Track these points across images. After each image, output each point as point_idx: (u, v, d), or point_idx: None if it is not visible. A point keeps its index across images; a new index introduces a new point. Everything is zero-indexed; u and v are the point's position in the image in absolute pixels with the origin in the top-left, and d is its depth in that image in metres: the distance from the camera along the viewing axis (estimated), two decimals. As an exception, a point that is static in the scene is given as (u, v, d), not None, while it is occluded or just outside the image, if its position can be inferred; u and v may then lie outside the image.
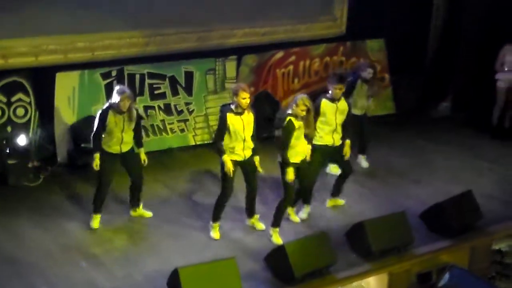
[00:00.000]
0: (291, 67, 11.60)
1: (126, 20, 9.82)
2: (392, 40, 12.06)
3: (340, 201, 8.92)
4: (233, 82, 10.97)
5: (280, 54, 11.45)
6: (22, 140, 9.27)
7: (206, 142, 10.71)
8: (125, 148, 8.06)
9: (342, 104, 8.42)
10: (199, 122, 10.76)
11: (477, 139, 11.42)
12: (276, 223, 8.08)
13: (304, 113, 7.74)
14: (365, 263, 7.73)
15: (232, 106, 7.81)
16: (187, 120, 10.69)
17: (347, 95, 9.05)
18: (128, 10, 9.79)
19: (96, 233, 8.06)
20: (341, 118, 8.41)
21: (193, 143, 10.68)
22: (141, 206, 8.47)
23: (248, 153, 7.93)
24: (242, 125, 7.79)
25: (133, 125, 8.05)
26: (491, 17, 11.66)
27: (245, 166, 8.00)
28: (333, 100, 8.37)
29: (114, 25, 9.78)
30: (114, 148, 7.99)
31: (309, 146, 8.05)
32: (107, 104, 7.98)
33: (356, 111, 9.65)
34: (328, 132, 8.38)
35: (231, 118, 7.76)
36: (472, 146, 11.10)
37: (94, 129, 7.97)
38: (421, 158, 10.50)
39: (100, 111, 7.98)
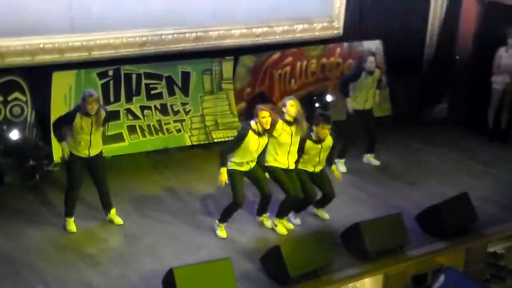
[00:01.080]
0: (288, 68, 11.59)
1: (123, 20, 9.81)
2: (389, 42, 12.06)
3: (326, 215, 8.74)
4: (230, 83, 10.99)
5: (277, 55, 11.44)
6: (14, 135, 9.23)
7: (202, 142, 10.71)
8: (94, 152, 8.01)
9: (328, 142, 8.24)
10: (196, 123, 10.75)
11: (473, 141, 11.44)
12: (281, 214, 8.25)
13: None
14: (360, 264, 7.74)
15: (252, 123, 7.79)
16: (184, 120, 10.68)
17: (347, 87, 9.47)
18: (125, 10, 9.78)
19: (91, 233, 8.06)
20: (324, 155, 8.32)
21: (189, 144, 10.67)
22: (113, 211, 8.40)
23: (253, 164, 8.00)
24: (257, 146, 7.83)
25: (101, 129, 8.03)
26: (487, 20, 11.67)
27: (251, 174, 8.04)
28: (318, 141, 8.18)
29: (111, 25, 9.77)
30: (83, 152, 7.95)
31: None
32: (74, 107, 8.00)
33: (357, 106, 9.67)
34: (310, 166, 8.33)
35: (250, 137, 7.77)
36: (468, 148, 11.12)
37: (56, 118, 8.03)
38: (417, 160, 10.52)
39: (67, 113, 8.04)
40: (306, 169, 8.29)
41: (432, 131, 11.81)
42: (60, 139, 8.03)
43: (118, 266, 7.47)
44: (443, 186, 9.58)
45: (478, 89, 11.84)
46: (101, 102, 8.13)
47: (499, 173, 10.24)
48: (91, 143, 7.94)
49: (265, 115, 7.71)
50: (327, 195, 8.48)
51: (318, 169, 8.35)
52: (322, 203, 8.63)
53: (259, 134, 7.80)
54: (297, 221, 8.51)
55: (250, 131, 7.76)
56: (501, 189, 9.67)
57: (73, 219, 8.12)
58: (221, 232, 8.16)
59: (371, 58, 9.79)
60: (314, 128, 8.17)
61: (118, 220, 8.38)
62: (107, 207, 8.36)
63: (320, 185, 8.44)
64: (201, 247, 7.89)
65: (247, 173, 8.03)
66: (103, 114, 7.97)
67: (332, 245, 7.73)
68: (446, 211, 8.29)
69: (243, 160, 7.89)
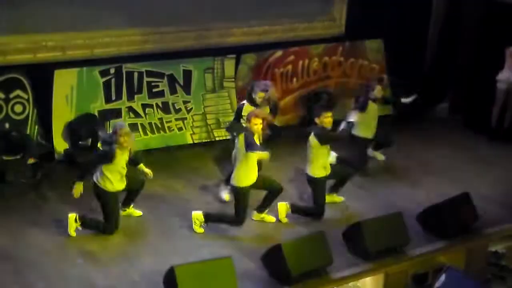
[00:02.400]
0: (290, 67, 11.60)
1: (125, 18, 9.82)
2: (390, 41, 12.06)
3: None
4: (231, 81, 10.99)
5: (279, 54, 11.45)
6: (16, 133, 9.23)
7: (204, 140, 10.71)
8: (122, 187, 7.95)
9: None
10: (197, 121, 10.75)
11: (475, 140, 11.42)
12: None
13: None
14: (361, 263, 7.73)
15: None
16: (185, 118, 10.68)
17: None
18: (127, 8, 9.78)
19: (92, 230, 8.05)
20: None
21: (191, 142, 10.67)
22: (131, 206, 8.43)
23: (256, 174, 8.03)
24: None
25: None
26: (489, 19, 11.66)
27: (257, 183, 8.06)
28: None
29: (113, 23, 9.77)
30: (119, 185, 7.87)
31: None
32: (112, 144, 7.73)
33: (365, 134, 9.62)
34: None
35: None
36: (470, 148, 11.11)
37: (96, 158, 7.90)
38: (419, 159, 10.51)
39: (104, 152, 7.81)
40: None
41: (433, 130, 11.79)
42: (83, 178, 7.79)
43: (119, 264, 7.47)
44: (445, 185, 9.56)
45: (479, 88, 11.83)
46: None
47: (500, 172, 10.22)
48: (122, 174, 7.85)
49: (257, 122, 7.72)
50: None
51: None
52: (336, 187, 8.87)
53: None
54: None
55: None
56: (503, 189, 9.66)
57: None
58: (198, 229, 8.14)
59: (378, 87, 9.68)
60: (317, 121, 8.25)
61: (137, 213, 8.38)
62: (129, 202, 8.34)
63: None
64: (202, 246, 7.89)
65: (253, 185, 8.03)
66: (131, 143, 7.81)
67: (333, 244, 7.72)
68: (447, 210, 8.29)
69: (248, 172, 7.89)
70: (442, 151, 10.93)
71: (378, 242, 7.77)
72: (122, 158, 7.74)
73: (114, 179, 7.77)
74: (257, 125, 7.72)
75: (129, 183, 8.01)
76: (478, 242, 8.45)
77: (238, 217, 7.98)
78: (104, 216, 7.92)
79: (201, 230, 8.10)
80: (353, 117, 9.28)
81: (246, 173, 7.88)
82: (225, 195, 8.78)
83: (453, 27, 12.35)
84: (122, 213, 8.34)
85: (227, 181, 8.46)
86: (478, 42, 12.05)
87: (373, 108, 9.66)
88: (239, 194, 7.93)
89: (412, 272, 8.09)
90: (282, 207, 8.47)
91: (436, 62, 12.65)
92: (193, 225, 8.12)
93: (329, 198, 8.78)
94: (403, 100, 10.15)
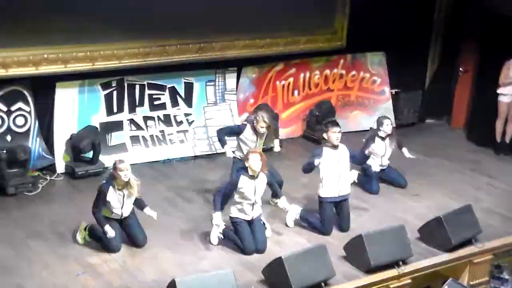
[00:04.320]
0: (291, 79, 11.62)
1: (126, 30, 9.83)
2: (392, 53, 12.07)
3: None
4: (233, 94, 11.00)
5: (280, 66, 11.47)
6: (18, 145, 9.22)
7: (205, 153, 10.71)
8: (126, 213, 7.93)
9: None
10: (199, 133, 10.76)
11: (477, 153, 11.41)
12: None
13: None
14: (363, 276, 7.70)
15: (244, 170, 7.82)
16: (187, 131, 10.69)
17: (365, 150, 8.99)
18: (129, 21, 9.80)
19: (94, 243, 8.02)
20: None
21: (193, 154, 10.67)
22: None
23: (257, 209, 8.03)
24: (253, 189, 7.83)
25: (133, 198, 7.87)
26: (491, 32, 11.67)
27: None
28: (335, 147, 8.30)
29: (114, 36, 9.80)
30: (115, 213, 7.83)
31: None
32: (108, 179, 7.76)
33: (375, 167, 9.63)
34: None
35: (243, 181, 7.78)
36: (472, 160, 11.09)
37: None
38: (420, 172, 10.48)
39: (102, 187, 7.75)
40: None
41: (435, 143, 11.78)
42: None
43: (121, 277, 7.44)
44: (447, 198, 9.55)
45: (482, 100, 11.82)
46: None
47: (503, 185, 10.20)
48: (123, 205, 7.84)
49: (255, 159, 7.73)
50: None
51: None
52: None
53: (252, 177, 7.80)
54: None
55: (242, 176, 7.78)
56: (505, 202, 9.63)
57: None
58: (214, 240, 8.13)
59: (387, 121, 9.59)
60: (325, 136, 8.30)
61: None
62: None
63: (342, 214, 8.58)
64: (203, 258, 7.87)
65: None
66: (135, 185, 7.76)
67: (335, 257, 7.70)
68: (449, 223, 8.26)
69: (244, 202, 7.89)
70: (444, 163, 10.91)
71: (380, 255, 7.74)
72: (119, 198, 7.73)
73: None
74: (255, 162, 7.73)
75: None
76: (481, 255, 8.42)
77: None
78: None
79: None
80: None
81: None
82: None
83: (455, 40, 12.36)
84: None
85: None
86: (481, 54, 12.05)
87: (382, 145, 9.61)
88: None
89: (414, 285, 8.05)
90: (293, 209, 8.49)
91: (438, 74, 12.66)
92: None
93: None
94: (405, 154, 9.90)
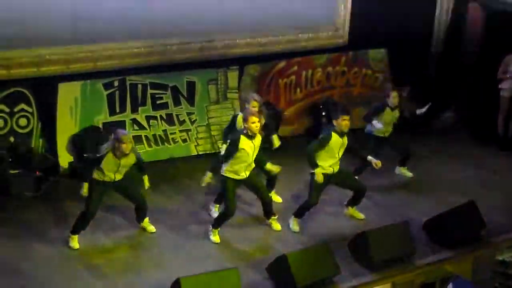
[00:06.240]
0: (293, 77, 11.60)
1: (128, 30, 9.83)
2: (394, 50, 12.06)
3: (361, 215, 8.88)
4: (235, 92, 11.00)
5: (282, 64, 11.46)
6: (21, 146, 9.25)
7: (208, 152, 10.71)
8: (119, 177, 7.94)
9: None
10: (201, 132, 10.75)
11: (481, 149, 11.39)
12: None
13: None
14: (367, 273, 7.70)
15: (244, 131, 7.95)
16: (189, 130, 10.69)
17: (372, 118, 9.40)
18: (131, 21, 9.80)
19: (98, 243, 8.04)
20: (342, 151, 8.42)
21: (195, 153, 10.67)
22: (146, 220, 8.41)
23: (250, 169, 8.06)
24: (252, 150, 7.93)
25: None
26: (493, 27, 11.66)
27: (249, 182, 8.11)
28: (341, 134, 8.33)
29: (116, 36, 9.79)
30: (108, 176, 7.85)
31: None
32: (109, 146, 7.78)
33: (379, 134, 9.67)
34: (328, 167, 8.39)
35: (243, 141, 7.88)
36: (476, 157, 11.08)
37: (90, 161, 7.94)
38: (424, 168, 10.48)
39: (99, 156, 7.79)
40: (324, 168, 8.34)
41: (439, 139, 11.77)
42: (86, 179, 7.94)
43: (125, 277, 7.45)
44: (451, 194, 9.53)
45: (485, 96, 11.81)
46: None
47: (507, 181, 10.19)
48: (118, 170, 7.86)
49: (254, 121, 7.83)
50: (359, 191, 8.67)
51: (336, 168, 8.42)
52: (355, 200, 8.78)
53: (251, 137, 7.89)
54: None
55: (242, 136, 7.88)
56: (509, 198, 9.62)
57: (77, 236, 8.06)
58: (215, 237, 8.19)
59: (394, 93, 9.69)
60: (334, 122, 8.35)
61: (151, 228, 8.37)
62: (141, 218, 8.34)
63: (347, 183, 8.62)
64: (207, 257, 7.88)
65: (244, 181, 8.07)
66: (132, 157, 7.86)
67: (339, 254, 7.69)
68: (453, 220, 8.25)
69: (239, 166, 7.93)
70: (448, 160, 10.90)
71: (384, 252, 7.74)
72: (113, 163, 7.74)
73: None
74: (255, 123, 7.85)
75: (130, 196, 8.10)
76: (485, 251, 8.42)
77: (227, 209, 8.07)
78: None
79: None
80: (377, 125, 9.52)
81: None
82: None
83: (457, 36, 12.34)
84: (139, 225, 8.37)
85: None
86: (483, 50, 12.03)
87: (389, 116, 9.68)
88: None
89: (419, 281, 8.05)
90: (295, 222, 8.54)
91: (441, 70, 12.64)
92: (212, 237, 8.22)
93: (351, 211, 8.89)
94: (418, 111, 10.10)
